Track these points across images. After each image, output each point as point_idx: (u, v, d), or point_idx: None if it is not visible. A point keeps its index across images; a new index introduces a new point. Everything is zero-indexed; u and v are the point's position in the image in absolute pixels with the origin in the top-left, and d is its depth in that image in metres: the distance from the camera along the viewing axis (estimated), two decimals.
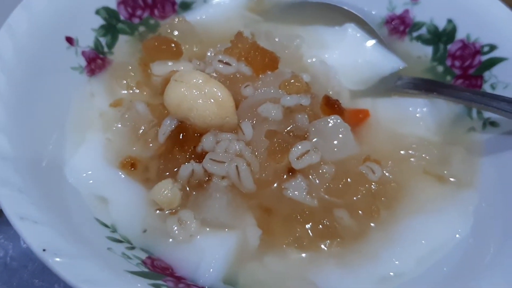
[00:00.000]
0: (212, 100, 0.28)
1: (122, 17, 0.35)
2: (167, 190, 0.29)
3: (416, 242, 0.27)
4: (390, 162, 0.30)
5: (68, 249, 0.23)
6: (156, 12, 0.37)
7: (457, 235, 0.27)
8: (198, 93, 0.27)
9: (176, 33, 0.34)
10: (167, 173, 0.30)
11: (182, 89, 0.27)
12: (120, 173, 0.30)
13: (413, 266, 0.26)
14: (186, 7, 0.38)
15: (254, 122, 0.30)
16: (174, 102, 0.28)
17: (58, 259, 0.22)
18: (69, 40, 0.32)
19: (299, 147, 0.29)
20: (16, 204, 0.23)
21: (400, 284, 0.26)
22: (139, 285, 0.23)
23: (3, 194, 0.23)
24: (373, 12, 0.38)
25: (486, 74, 0.33)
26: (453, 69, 0.35)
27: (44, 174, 0.27)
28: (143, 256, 0.26)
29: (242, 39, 0.31)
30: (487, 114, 0.31)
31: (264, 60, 0.31)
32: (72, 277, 0.21)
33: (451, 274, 0.25)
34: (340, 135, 0.30)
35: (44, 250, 0.22)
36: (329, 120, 0.30)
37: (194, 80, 0.28)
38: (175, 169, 0.29)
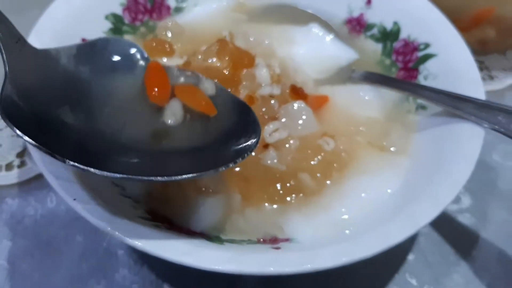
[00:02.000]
0: None
1: (126, 21, 0.41)
2: None
3: (359, 195, 0.34)
4: (342, 136, 0.37)
5: (92, 199, 0.29)
6: (154, 15, 0.43)
7: (389, 190, 0.34)
8: None
9: (169, 34, 0.40)
10: None
11: None
12: None
13: (356, 213, 0.33)
14: (179, 10, 0.44)
15: None
16: None
17: (84, 206, 0.28)
18: (84, 40, 0.38)
19: (271, 126, 0.36)
20: (52, 168, 0.30)
21: (346, 225, 0.33)
22: (145, 223, 0.30)
23: (42, 161, 0.30)
24: (336, 14, 0.44)
25: (421, 67, 0.39)
26: (397, 63, 0.41)
27: None
28: (146, 207, 0.33)
29: (226, 47, 0.37)
30: (419, 100, 0.38)
31: (244, 61, 0.37)
32: (96, 218, 0.28)
33: (383, 218, 0.32)
34: (304, 116, 0.37)
35: (74, 199, 0.29)
36: (294, 104, 0.37)
37: None
38: None
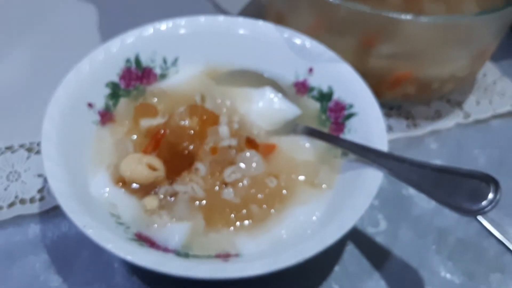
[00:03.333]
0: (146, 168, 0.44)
1: (122, 87, 0.51)
2: (152, 200, 0.45)
3: (294, 221, 0.44)
4: (283, 176, 0.47)
5: (97, 225, 0.38)
6: (144, 81, 0.53)
7: (314, 217, 0.44)
8: (137, 164, 0.44)
9: (155, 99, 0.51)
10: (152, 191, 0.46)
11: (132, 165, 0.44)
12: (120, 188, 0.45)
13: (291, 234, 0.43)
14: (163, 76, 0.54)
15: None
16: (126, 172, 0.44)
17: (91, 230, 0.37)
18: (90, 105, 0.48)
19: (229, 169, 0.46)
20: (68, 204, 0.39)
21: (283, 243, 0.42)
22: (133, 243, 0.39)
23: (62, 199, 0.39)
24: (286, 78, 0.54)
25: (346, 123, 0.49)
26: (330, 118, 0.51)
27: (78, 189, 0.42)
28: (134, 231, 0.42)
29: (196, 110, 0.48)
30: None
31: (210, 120, 0.48)
32: (99, 239, 0.37)
33: (309, 236, 0.41)
34: (254, 161, 0.47)
35: (84, 226, 0.38)
36: (247, 153, 0.47)
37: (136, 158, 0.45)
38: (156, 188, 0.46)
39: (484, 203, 0.39)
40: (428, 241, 0.51)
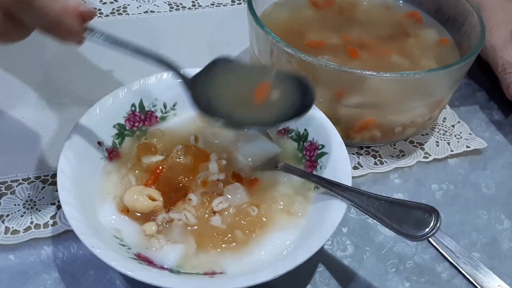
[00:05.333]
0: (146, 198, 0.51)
1: (127, 127, 0.57)
2: (151, 226, 0.52)
3: (272, 244, 0.50)
4: (264, 205, 0.53)
5: (103, 246, 0.43)
6: (146, 122, 0.60)
7: (288, 242, 0.49)
8: (139, 196, 0.51)
9: (155, 140, 0.58)
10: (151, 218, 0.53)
11: (134, 196, 0.51)
12: (124, 216, 0.52)
13: (269, 254, 0.48)
14: (163, 118, 0.61)
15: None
16: (129, 202, 0.51)
17: (98, 250, 0.42)
18: (99, 143, 0.54)
19: (217, 200, 0.53)
20: (80, 228, 0.44)
21: (263, 263, 0.47)
22: (133, 261, 0.45)
23: (74, 224, 0.44)
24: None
25: (319, 160, 0.55)
26: (306, 156, 0.57)
27: (88, 215, 0.47)
28: (135, 252, 0.48)
29: (190, 149, 0.55)
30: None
31: (201, 158, 0.56)
32: (105, 258, 0.41)
33: (284, 256, 0.47)
34: (239, 193, 0.54)
35: (92, 246, 0.42)
36: (233, 185, 0.54)
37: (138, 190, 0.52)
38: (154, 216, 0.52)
39: (427, 230, 0.47)
40: (388, 265, 0.58)
